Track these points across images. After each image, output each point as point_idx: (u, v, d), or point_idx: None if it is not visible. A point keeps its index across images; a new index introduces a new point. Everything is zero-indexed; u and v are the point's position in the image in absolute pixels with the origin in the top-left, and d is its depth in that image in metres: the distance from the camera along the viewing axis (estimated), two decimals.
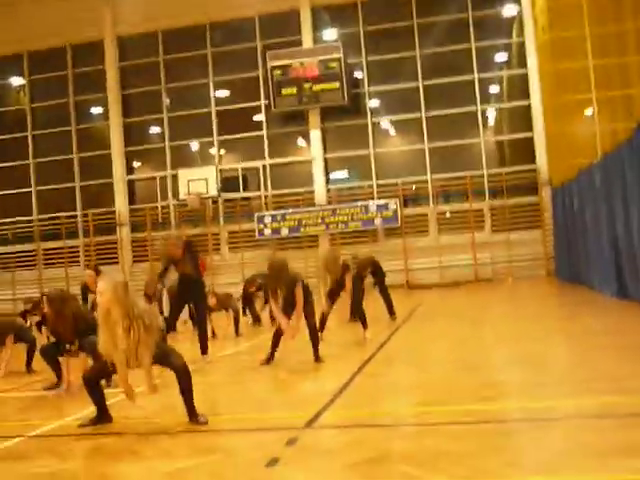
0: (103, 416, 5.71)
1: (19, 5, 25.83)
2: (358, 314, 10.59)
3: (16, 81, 27.83)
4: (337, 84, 23.82)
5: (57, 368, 7.72)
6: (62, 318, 7.32)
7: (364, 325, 10.37)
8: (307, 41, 24.84)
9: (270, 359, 8.43)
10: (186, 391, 5.48)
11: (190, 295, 9.54)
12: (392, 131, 25.50)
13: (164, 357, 5.58)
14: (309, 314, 8.35)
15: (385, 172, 24.64)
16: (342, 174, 25.72)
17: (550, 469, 3.81)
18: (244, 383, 7.62)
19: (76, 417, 6.16)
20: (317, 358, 8.27)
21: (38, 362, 8.62)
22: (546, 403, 5.41)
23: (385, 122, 25.18)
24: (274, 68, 24.22)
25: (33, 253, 26.60)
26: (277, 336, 8.43)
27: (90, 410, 5.90)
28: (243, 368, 8.59)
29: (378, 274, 13.01)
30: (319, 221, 24.09)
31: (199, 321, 9.60)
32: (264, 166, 25.35)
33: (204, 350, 9.15)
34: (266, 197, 25.47)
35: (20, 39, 26.25)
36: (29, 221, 26.96)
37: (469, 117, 24.05)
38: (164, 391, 6.02)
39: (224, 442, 5.00)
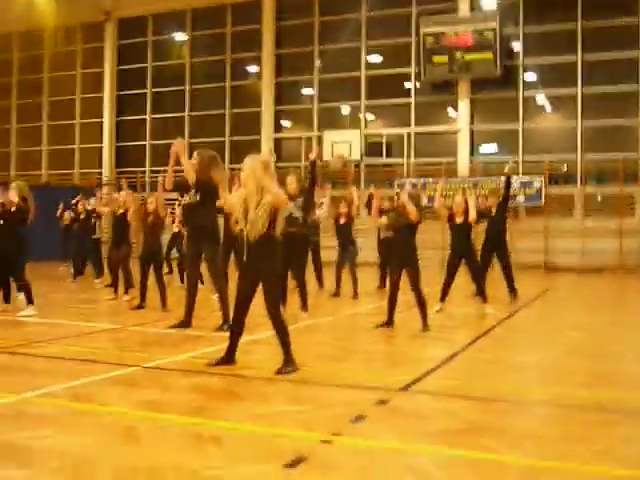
0: (231, 358, 6.01)
1: None
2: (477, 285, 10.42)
3: (179, 36, 28.99)
4: (490, 54, 23.09)
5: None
6: None
7: (484, 298, 10.22)
8: (463, 9, 24.20)
9: (389, 323, 8.45)
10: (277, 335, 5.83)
11: None
12: (544, 106, 24.49)
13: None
14: (415, 280, 8.29)
15: (532, 149, 23.77)
16: (491, 147, 25.03)
17: (636, 464, 3.67)
18: (352, 342, 7.75)
19: (191, 354, 6.54)
20: (425, 326, 8.23)
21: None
22: None
23: (537, 96, 24.20)
24: (427, 35, 23.82)
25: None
26: (392, 300, 8.45)
27: (209, 350, 6.24)
28: (358, 329, 8.73)
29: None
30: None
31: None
32: (409, 134, 25.15)
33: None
34: (409, 165, 25.31)
35: None
36: (181, 170, 28.19)
37: (629, 96, 22.65)
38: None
39: (318, 394, 5.14)
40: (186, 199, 8.29)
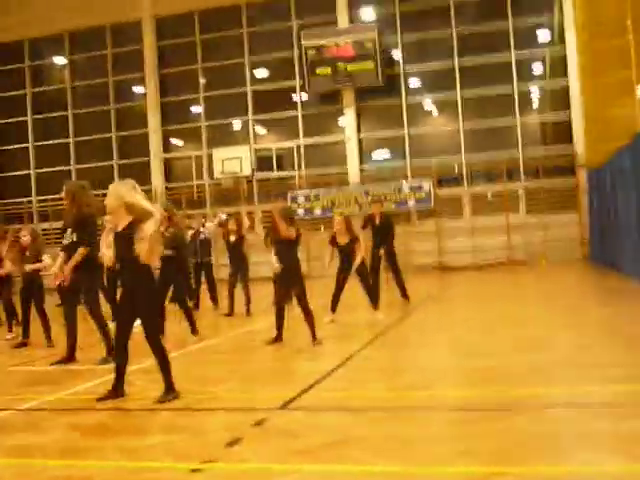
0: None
1: None
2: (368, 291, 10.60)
3: (58, 60, 28.24)
4: (372, 64, 23.62)
5: None
6: None
7: (375, 304, 10.42)
8: (342, 21, 24.66)
9: (278, 339, 8.46)
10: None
11: None
12: (428, 111, 25.24)
13: None
14: (301, 295, 8.34)
15: (420, 152, 24.43)
16: (381, 154, 25.53)
17: (503, 459, 3.81)
18: (238, 362, 7.72)
19: (72, 391, 6.36)
20: (314, 339, 8.29)
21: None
22: (529, 390, 5.38)
23: (421, 102, 24.91)
24: (308, 48, 24.14)
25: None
26: (280, 315, 8.48)
27: (89, 384, 6.08)
28: (247, 348, 8.71)
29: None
30: (352, 201, 24.03)
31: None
32: (298, 146, 25.37)
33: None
34: (300, 177, 25.51)
35: (61, 20, 26.63)
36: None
37: (505, 97, 23.62)
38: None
39: (196, 421, 5.11)
40: (64, 241, 8.01)
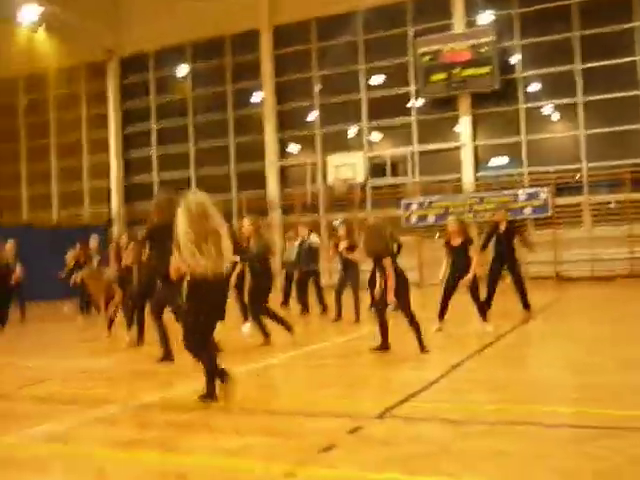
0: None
1: (184, 1, 27.30)
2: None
3: (180, 70, 29.34)
4: (488, 69, 23.19)
5: None
6: None
7: (484, 316, 10.17)
8: (459, 26, 24.33)
9: (384, 347, 8.39)
10: None
11: None
12: (547, 117, 24.47)
13: None
14: (406, 303, 8.26)
15: (537, 160, 23.72)
16: (497, 161, 24.99)
17: None
18: (342, 368, 7.72)
19: (177, 391, 6.57)
20: (422, 348, 8.18)
21: None
22: (636, 412, 5.10)
23: (540, 107, 24.18)
24: (424, 54, 23.98)
25: None
26: (383, 324, 8.41)
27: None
28: (351, 353, 8.71)
29: None
30: (466, 209, 23.62)
31: None
32: (412, 152, 25.22)
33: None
34: (414, 184, 25.34)
35: (184, 31, 27.71)
36: None
37: (630, 101, 22.56)
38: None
39: (292, 424, 5.14)
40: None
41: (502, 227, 12.01)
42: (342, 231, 12.64)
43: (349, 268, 12.49)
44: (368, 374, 7.42)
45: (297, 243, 13.96)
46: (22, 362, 9.13)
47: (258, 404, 5.84)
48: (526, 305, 12.10)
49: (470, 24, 24.51)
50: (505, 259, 11.91)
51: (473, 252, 10.12)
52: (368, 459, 4.16)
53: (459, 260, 10.08)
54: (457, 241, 10.12)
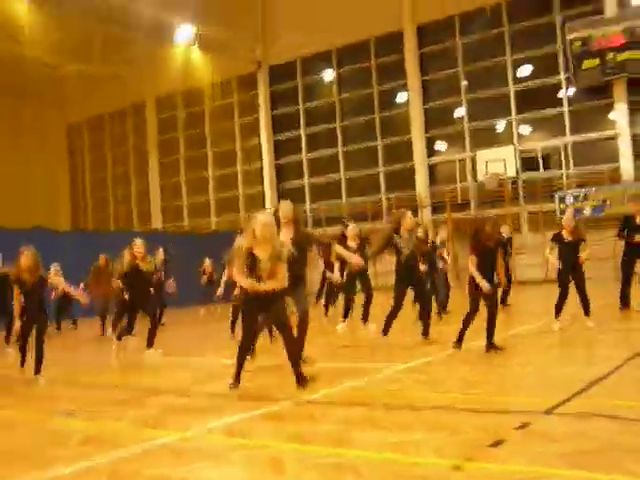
0: None
1: (328, 8, 27.88)
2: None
3: (327, 75, 29.95)
4: None
5: None
6: None
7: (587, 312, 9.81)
8: (610, 9, 23.24)
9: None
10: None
11: None
12: None
13: None
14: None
15: None
16: None
17: None
18: (502, 366, 7.67)
19: (342, 387, 6.80)
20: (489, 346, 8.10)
21: None
22: None
23: None
24: (574, 40, 23.12)
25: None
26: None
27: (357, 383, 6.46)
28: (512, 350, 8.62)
29: None
30: (626, 200, 22.50)
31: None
32: (565, 144, 24.37)
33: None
34: (567, 176, 24.48)
35: (329, 36, 28.31)
36: (339, 204, 29.00)
37: None
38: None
39: (458, 420, 5.20)
40: None
41: (637, 219, 11.42)
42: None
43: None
44: (529, 372, 7.33)
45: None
46: (188, 360, 9.73)
47: (419, 401, 5.94)
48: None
49: (623, 5, 23.34)
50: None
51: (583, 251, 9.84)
52: (539, 454, 4.16)
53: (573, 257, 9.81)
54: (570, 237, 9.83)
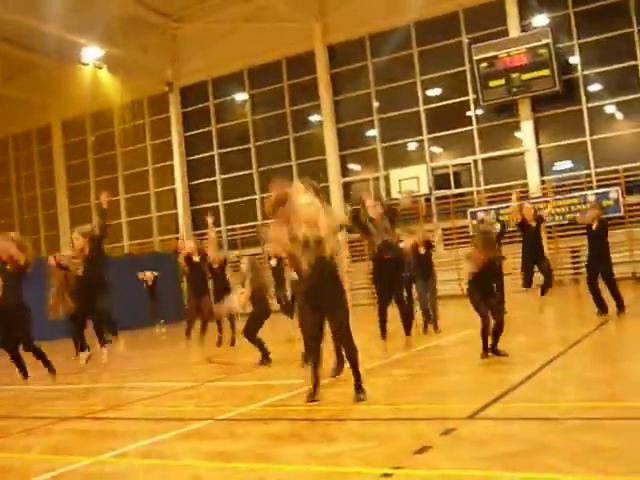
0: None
1: (239, 29, 27.91)
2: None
3: (239, 96, 29.83)
4: (547, 71, 22.84)
5: None
6: None
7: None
8: (513, 30, 24.06)
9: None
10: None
11: None
12: (609, 115, 23.92)
13: None
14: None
15: (604, 160, 23.18)
16: (563, 164, 24.52)
17: None
18: (422, 376, 7.65)
19: (264, 403, 6.61)
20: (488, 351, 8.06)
21: None
22: None
23: (602, 106, 23.65)
24: (480, 61, 23.80)
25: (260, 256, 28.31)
26: (484, 330, 8.20)
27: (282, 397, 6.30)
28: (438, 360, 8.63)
29: None
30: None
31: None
32: (475, 161, 24.98)
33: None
34: (479, 192, 25.07)
35: (241, 57, 28.27)
36: (253, 226, 28.79)
37: None
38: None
39: (383, 429, 5.12)
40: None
41: (594, 226, 11.45)
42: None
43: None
44: (451, 380, 7.33)
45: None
46: (106, 385, 9.35)
47: (343, 413, 5.83)
48: (621, 306, 11.66)
49: (525, 28, 24.22)
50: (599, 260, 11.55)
51: None
52: (466, 458, 4.11)
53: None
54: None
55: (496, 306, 7.96)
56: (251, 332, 9.27)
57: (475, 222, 23.82)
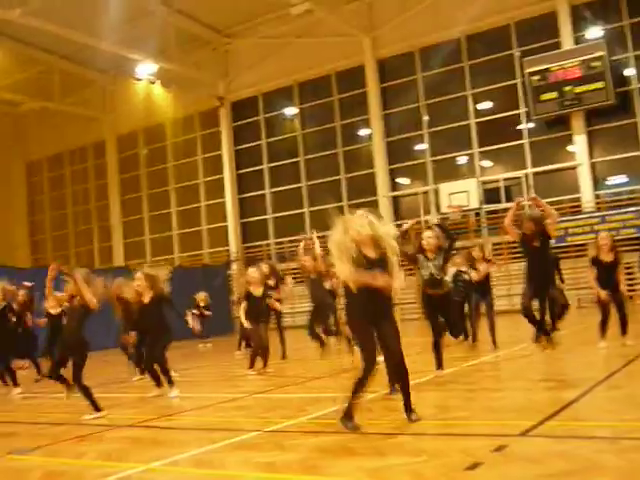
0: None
1: (290, 44, 28.19)
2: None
3: (289, 111, 30.06)
4: (602, 84, 22.48)
5: None
6: None
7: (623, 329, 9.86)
8: (567, 42, 23.77)
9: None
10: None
11: None
12: None
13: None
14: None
15: None
16: (617, 178, 24.06)
17: None
18: (476, 391, 7.57)
19: (313, 416, 6.61)
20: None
21: None
22: None
23: None
24: (532, 74, 23.55)
25: None
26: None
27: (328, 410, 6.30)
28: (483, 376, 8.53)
29: None
30: (587, 229, 22.81)
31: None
32: (526, 175, 24.67)
33: None
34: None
35: (291, 72, 28.53)
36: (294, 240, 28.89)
37: None
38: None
39: (435, 444, 5.07)
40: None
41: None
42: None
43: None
44: (504, 396, 7.23)
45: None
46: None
47: (393, 428, 5.79)
48: None
49: (579, 40, 23.90)
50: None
51: (620, 272, 10.14)
52: (518, 476, 4.05)
53: (611, 278, 9.90)
54: (608, 257, 9.93)
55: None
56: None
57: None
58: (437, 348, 8.62)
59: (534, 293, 9.47)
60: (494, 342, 11.39)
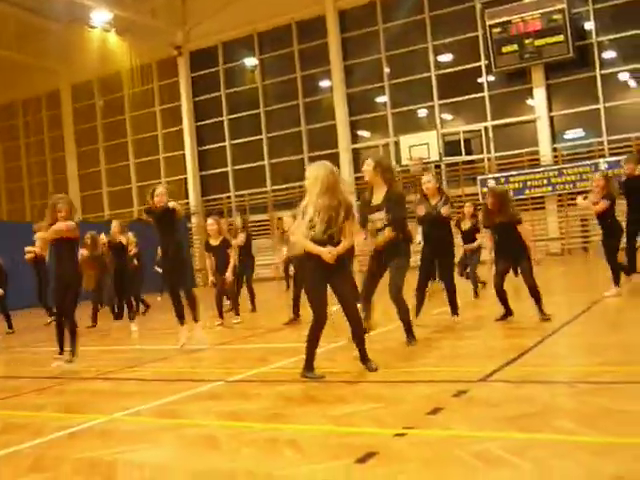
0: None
1: None
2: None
3: (249, 61, 29.60)
4: (562, 37, 22.56)
5: None
6: None
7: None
8: None
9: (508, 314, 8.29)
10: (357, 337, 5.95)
11: None
12: (623, 83, 23.64)
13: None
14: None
15: (617, 128, 22.94)
16: (575, 132, 24.32)
17: None
18: (437, 340, 7.67)
19: (276, 365, 6.66)
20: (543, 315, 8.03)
21: None
22: None
23: (616, 74, 23.37)
24: (493, 26, 23.51)
25: (267, 223, 28.30)
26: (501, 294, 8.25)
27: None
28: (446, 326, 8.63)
29: None
30: (545, 182, 23.12)
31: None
32: (486, 128, 24.79)
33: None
34: (489, 160, 24.92)
35: (251, 21, 27.98)
36: (264, 192, 28.76)
37: None
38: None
39: (396, 391, 5.14)
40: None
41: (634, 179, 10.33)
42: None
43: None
44: (464, 344, 7.34)
45: None
46: (118, 348, 9.43)
47: (357, 376, 5.85)
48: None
49: None
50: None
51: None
52: (478, 419, 4.12)
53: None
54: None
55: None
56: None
57: (484, 189, 23.71)
58: (421, 295, 8.65)
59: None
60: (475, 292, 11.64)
